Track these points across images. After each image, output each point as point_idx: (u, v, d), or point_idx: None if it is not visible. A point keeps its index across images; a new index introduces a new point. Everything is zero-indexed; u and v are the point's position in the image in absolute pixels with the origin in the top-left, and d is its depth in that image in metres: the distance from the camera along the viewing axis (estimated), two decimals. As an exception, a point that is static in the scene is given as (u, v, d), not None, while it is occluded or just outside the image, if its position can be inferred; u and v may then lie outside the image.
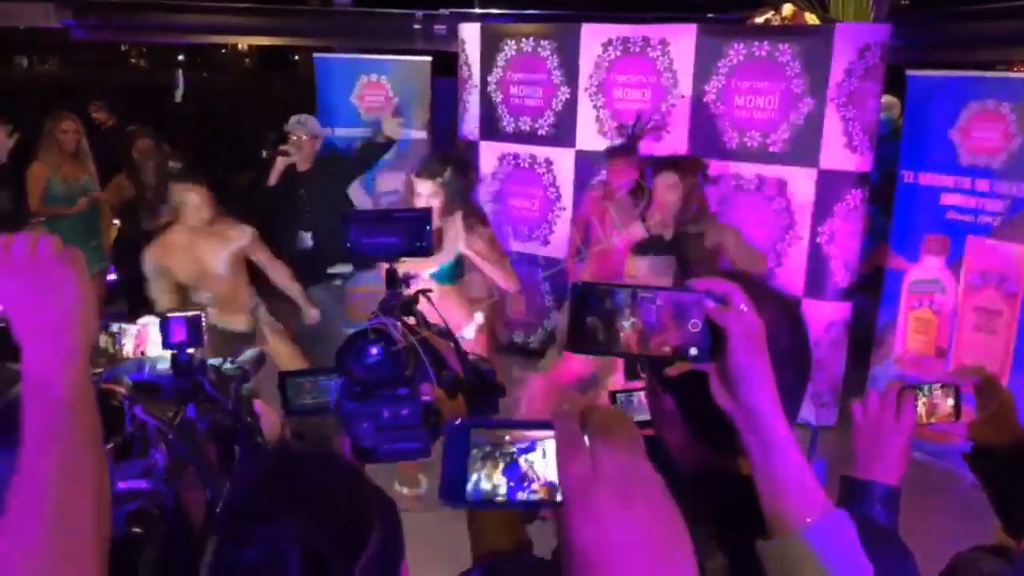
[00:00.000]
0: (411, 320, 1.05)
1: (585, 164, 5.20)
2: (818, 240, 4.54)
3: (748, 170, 4.69)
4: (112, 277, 5.78)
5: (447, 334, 1.11)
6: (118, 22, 7.51)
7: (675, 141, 4.87)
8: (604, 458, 0.53)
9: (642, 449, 0.55)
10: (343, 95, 5.94)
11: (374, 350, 0.86)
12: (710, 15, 7.06)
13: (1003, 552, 1.00)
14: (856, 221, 4.48)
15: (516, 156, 5.56)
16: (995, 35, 5.01)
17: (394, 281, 1.10)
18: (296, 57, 12.41)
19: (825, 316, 4.56)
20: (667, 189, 3.60)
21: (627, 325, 0.72)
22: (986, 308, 3.91)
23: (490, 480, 0.57)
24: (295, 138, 4.52)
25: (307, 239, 4.76)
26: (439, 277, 3.50)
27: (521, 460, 0.57)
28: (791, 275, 4.61)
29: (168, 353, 1.13)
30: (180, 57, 15.07)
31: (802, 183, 4.53)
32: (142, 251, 3.65)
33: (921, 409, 1.27)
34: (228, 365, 1.21)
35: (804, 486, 0.74)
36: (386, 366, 0.86)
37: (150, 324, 1.28)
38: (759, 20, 5.54)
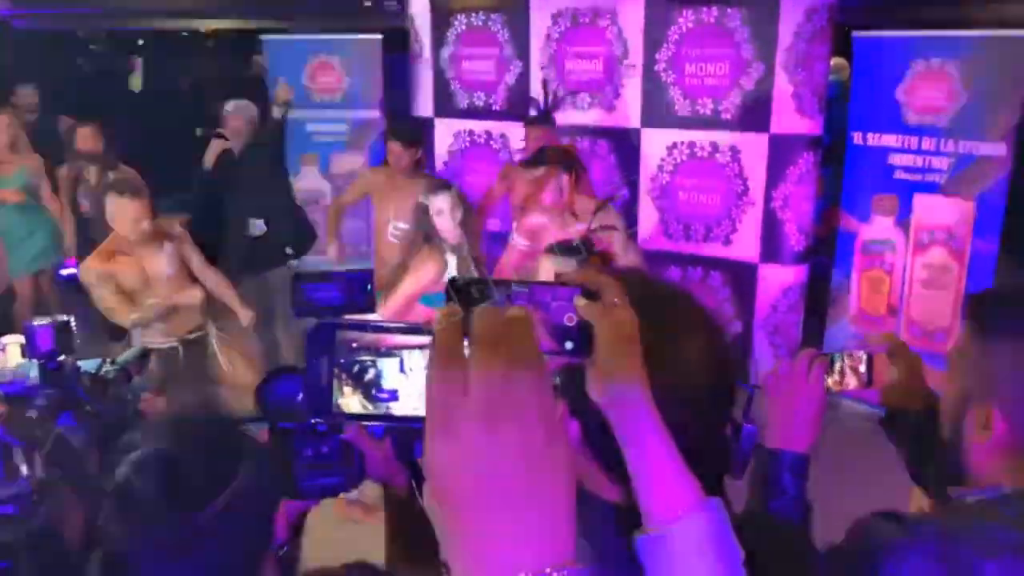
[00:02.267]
0: None
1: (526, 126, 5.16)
2: (772, 205, 4.56)
3: (701, 137, 4.69)
4: (69, 272, 5.67)
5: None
6: (58, 10, 7.31)
7: (628, 111, 4.86)
8: (478, 375, 0.48)
9: (531, 364, 0.49)
10: (294, 77, 5.84)
11: (292, 389, 0.88)
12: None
13: (901, 519, 1.01)
14: (809, 184, 4.50)
15: (471, 132, 5.51)
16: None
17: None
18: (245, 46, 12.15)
19: (782, 280, 4.59)
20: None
21: None
22: (935, 265, 3.96)
23: (354, 392, 0.56)
24: (233, 124, 4.44)
25: (259, 225, 4.70)
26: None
27: (382, 369, 0.56)
28: (746, 241, 4.64)
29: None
30: (140, 42, 14.65)
31: (754, 149, 4.54)
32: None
33: (834, 377, 1.28)
34: (107, 367, 1.19)
35: (675, 481, 0.74)
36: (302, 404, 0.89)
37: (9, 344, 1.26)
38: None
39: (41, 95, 6.31)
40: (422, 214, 3.35)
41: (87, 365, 1.26)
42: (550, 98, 4.43)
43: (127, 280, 3.44)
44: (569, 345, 0.72)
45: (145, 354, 1.33)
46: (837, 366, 1.29)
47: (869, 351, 1.33)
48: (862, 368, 1.30)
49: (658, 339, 0.78)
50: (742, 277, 4.71)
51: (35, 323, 1.15)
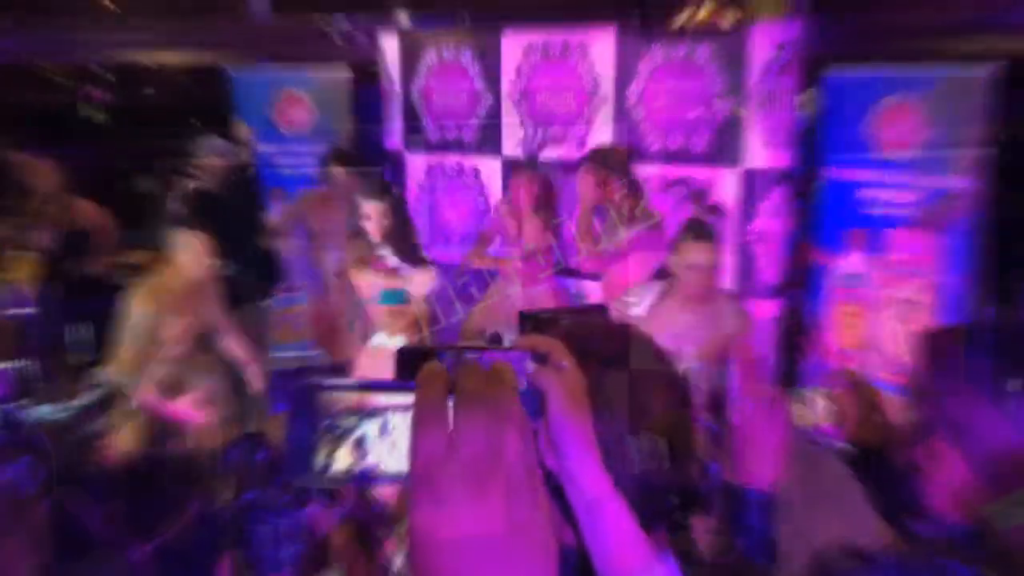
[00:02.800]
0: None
1: (511, 172, 5.14)
2: (746, 239, 4.56)
3: (672, 172, 4.69)
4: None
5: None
6: (22, 41, 7.19)
7: (599, 144, 4.84)
8: (463, 435, 0.48)
9: (514, 424, 0.49)
10: (262, 111, 5.77)
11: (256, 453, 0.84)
12: (634, 14, 7.07)
13: (862, 554, 1.00)
14: (782, 218, 4.51)
15: (442, 165, 5.47)
16: (908, 30, 5.10)
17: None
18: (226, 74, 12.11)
19: (756, 314, 4.58)
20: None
21: None
22: (908, 299, 3.97)
23: (335, 455, 0.55)
24: (207, 163, 4.36)
25: (229, 265, 4.60)
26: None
27: (366, 432, 0.55)
28: (721, 275, 4.62)
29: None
30: (110, 77, 14.48)
31: (726, 183, 4.55)
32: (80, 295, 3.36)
33: (799, 413, 1.31)
34: (61, 412, 1.13)
35: (628, 541, 0.75)
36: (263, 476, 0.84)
37: None
38: (679, 20, 5.55)
39: None
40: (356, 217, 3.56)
41: (43, 411, 1.19)
42: (536, 144, 4.48)
43: (168, 326, 3.13)
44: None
45: (109, 396, 1.26)
46: (801, 403, 1.32)
47: (831, 388, 1.37)
48: (822, 403, 1.34)
49: (615, 377, 0.80)
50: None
51: None
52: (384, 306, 3.53)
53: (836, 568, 0.99)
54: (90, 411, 1.29)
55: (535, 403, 0.71)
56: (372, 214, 3.50)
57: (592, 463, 0.74)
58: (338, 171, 4.27)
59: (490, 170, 5.28)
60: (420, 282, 3.59)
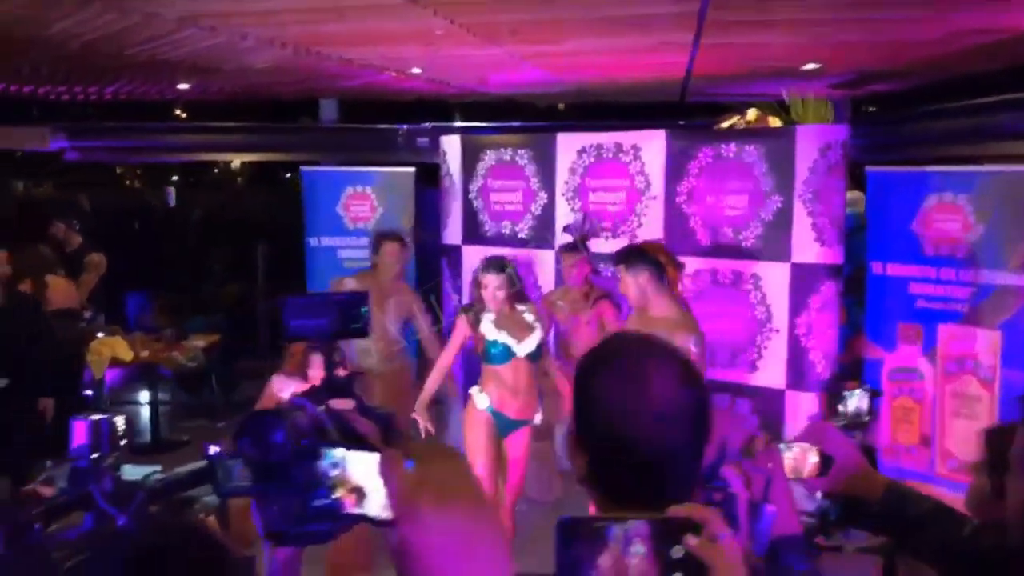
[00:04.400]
0: (349, 403, 1.06)
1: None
2: (796, 332, 4.61)
3: (723, 266, 4.81)
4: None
5: (385, 419, 1.13)
6: (110, 143, 7.78)
7: (651, 239, 5.01)
8: (423, 468, 0.66)
9: (457, 458, 0.69)
10: (329, 206, 6.12)
11: (271, 431, 0.86)
12: (680, 122, 7.41)
13: None
14: (831, 312, 4.56)
15: (498, 259, 5.67)
16: (950, 133, 5.28)
17: (331, 363, 1.12)
18: (288, 174, 12.84)
19: (809, 407, 4.57)
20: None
21: (614, 556, 0.76)
22: (965, 394, 3.95)
23: (331, 494, 0.70)
24: None
25: None
26: (531, 356, 4.03)
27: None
28: (772, 368, 4.66)
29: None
30: (175, 177, 15.48)
31: (776, 277, 4.64)
32: None
33: (789, 466, 1.34)
34: (154, 477, 1.17)
35: None
36: (283, 448, 0.87)
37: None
38: (725, 125, 5.82)
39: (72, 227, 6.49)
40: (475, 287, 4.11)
41: (134, 472, 1.24)
42: (587, 227, 4.74)
43: None
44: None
45: (207, 471, 1.29)
46: (787, 456, 1.36)
47: (807, 444, 1.39)
48: (811, 458, 1.36)
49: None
50: (770, 404, 4.69)
51: (75, 417, 1.17)
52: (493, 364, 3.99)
53: None
54: (198, 479, 1.27)
55: (692, 571, 0.76)
56: (489, 284, 3.97)
57: None
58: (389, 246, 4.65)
59: (544, 263, 5.47)
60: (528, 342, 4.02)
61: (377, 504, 0.68)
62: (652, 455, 0.99)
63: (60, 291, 5.61)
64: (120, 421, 1.19)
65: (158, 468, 1.29)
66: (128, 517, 1.11)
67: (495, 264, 4.10)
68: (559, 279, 5.32)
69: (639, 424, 0.99)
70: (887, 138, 5.82)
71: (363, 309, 1.13)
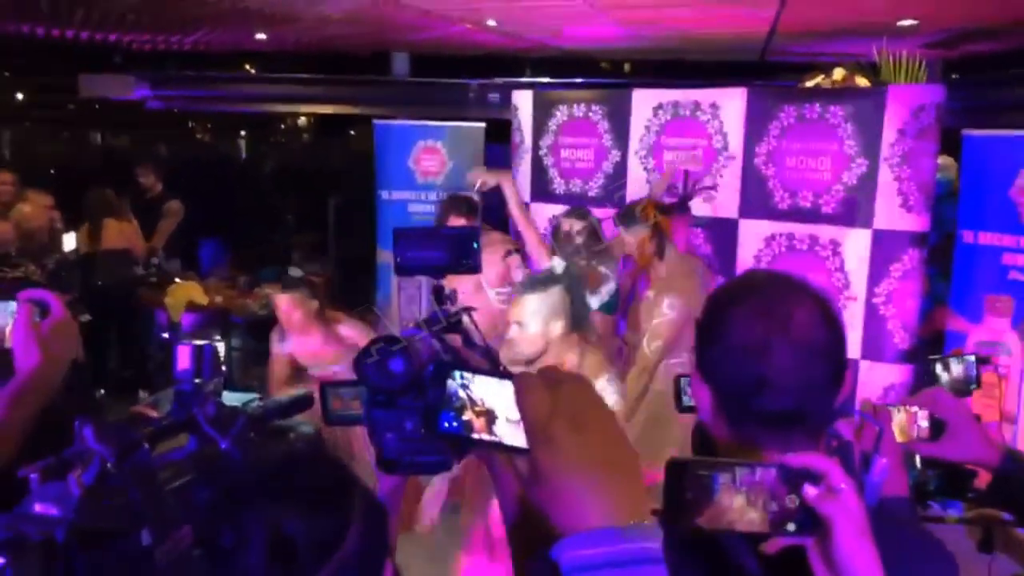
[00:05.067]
0: (456, 338, 1.06)
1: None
2: (874, 301, 4.46)
3: (800, 230, 4.67)
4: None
5: (488, 353, 1.13)
6: (190, 93, 7.95)
7: (727, 202, 4.90)
8: (559, 394, 0.65)
9: (591, 388, 0.67)
10: (400, 159, 6.15)
11: (391, 357, 0.86)
12: (760, 83, 7.17)
13: None
14: (914, 282, 4.39)
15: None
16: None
17: (440, 298, 1.12)
18: (352, 131, 12.97)
19: (884, 378, 4.44)
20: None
21: (725, 501, 0.74)
22: (1055, 371, 3.77)
23: (460, 417, 0.68)
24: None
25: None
26: (606, 308, 4.01)
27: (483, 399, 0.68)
28: (848, 336, 4.52)
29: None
30: (243, 132, 15.80)
31: (856, 243, 4.49)
32: None
33: (898, 429, 1.31)
34: (255, 403, 1.20)
35: None
36: (404, 376, 0.86)
37: None
38: (809, 84, 5.60)
39: (154, 171, 6.71)
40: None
41: (235, 397, 1.28)
42: (689, 187, 4.60)
43: None
44: (791, 527, 0.75)
45: (303, 399, 1.32)
46: (897, 419, 1.32)
47: (920, 406, 1.35)
48: (921, 422, 1.32)
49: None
50: (842, 373, 4.58)
51: (179, 342, 1.20)
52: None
53: None
54: (281, 412, 1.28)
55: (807, 521, 0.74)
56: (571, 229, 4.06)
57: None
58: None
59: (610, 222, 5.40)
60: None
61: (509, 430, 0.67)
62: (786, 395, 0.96)
63: (113, 233, 5.83)
64: (221, 347, 1.22)
65: (256, 396, 1.32)
66: (230, 441, 1.14)
67: (577, 211, 4.13)
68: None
69: (775, 362, 0.96)
70: (984, 101, 5.52)
71: (475, 244, 1.12)
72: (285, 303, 3.77)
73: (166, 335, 5.96)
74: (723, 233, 4.96)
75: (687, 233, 4.40)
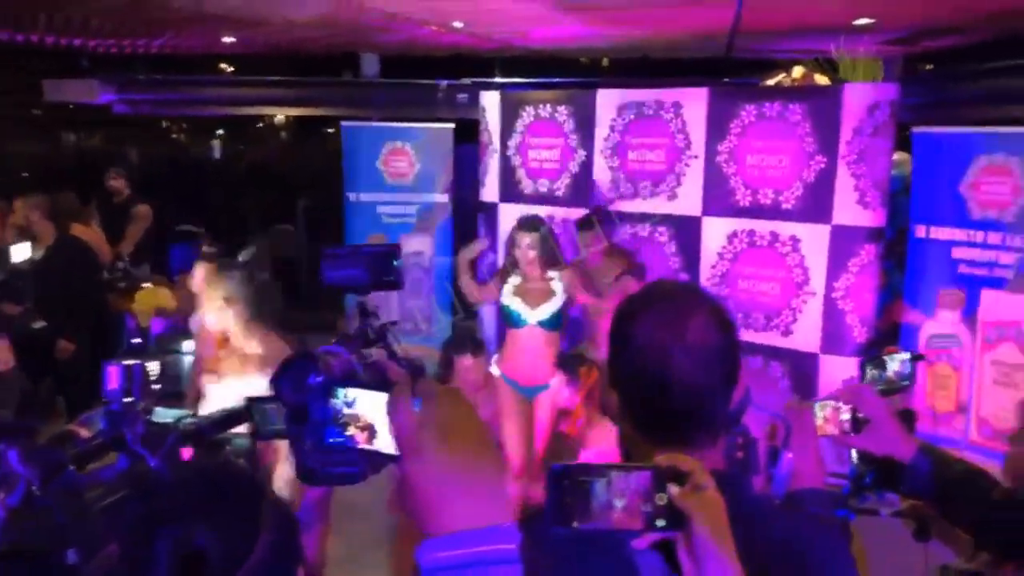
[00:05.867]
0: (379, 351, 1.11)
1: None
2: (833, 296, 4.55)
3: (762, 227, 4.75)
4: None
5: (417, 367, 1.17)
6: (157, 96, 7.91)
7: (689, 200, 4.97)
8: (427, 408, 0.70)
9: (462, 400, 0.72)
10: (369, 161, 6.17)
11: (307, 374, 0.90)
12: (725, 80, 7.25)
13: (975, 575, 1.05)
14: (871, 276, 4.49)
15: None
16: (1003, 92, 5.07)
17: (364, 313, 1.16)
18: (331, 130, 12.95)
19: (843, 371, 4.53)
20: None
21: (601, 502, 0.80)
22: (1004, 362, 3.87)
23: (344, 432, 0.74)
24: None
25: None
26: (544, 324, 4.11)
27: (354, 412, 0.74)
28: (808, 331, 4.62)
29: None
30: (219, 132, 15.70)
31: (815, 239, 4.57)
32: None
33: (820, 424, 1.37)
34: (187, 420, 1.21)
35: None
36: (318, 390, 0.90)
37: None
38: (771, 83, 5.68)
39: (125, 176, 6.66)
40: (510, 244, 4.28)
41: (166, 414, 1.28)
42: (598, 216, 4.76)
43: None
44: (660, 523, 0.81)
45: (239, 415, 1.33)
46: (820, 415, 1.38)
47: (844, 402, 1.42)
48: (844, 417, 1.39)
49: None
50: (803, 368, 4.66)
51: (108, 361, 1.22)
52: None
53: None
54: (216, 427, 1.27)
55: (675, 518, 0.80)
56: (522, 243, 4.14)
57: (731, 570, 0.81)
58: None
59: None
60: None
61: (386, 441, 0.72)
62: (684, 395, 1.03)
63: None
64: (153, 367, 1.25)
65: (189, 412, 1.34)
66: (159, 458, 1.17)
67: (529, 223, 4.17)
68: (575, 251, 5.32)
69: (673, 365, 1.03)
70: (937, 98, 5.63)
71: (396, 262, 1.16)
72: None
73: (137, 340, 5.94)
74: (687, 230, 5.04)
75: (600, 246, 4.59)
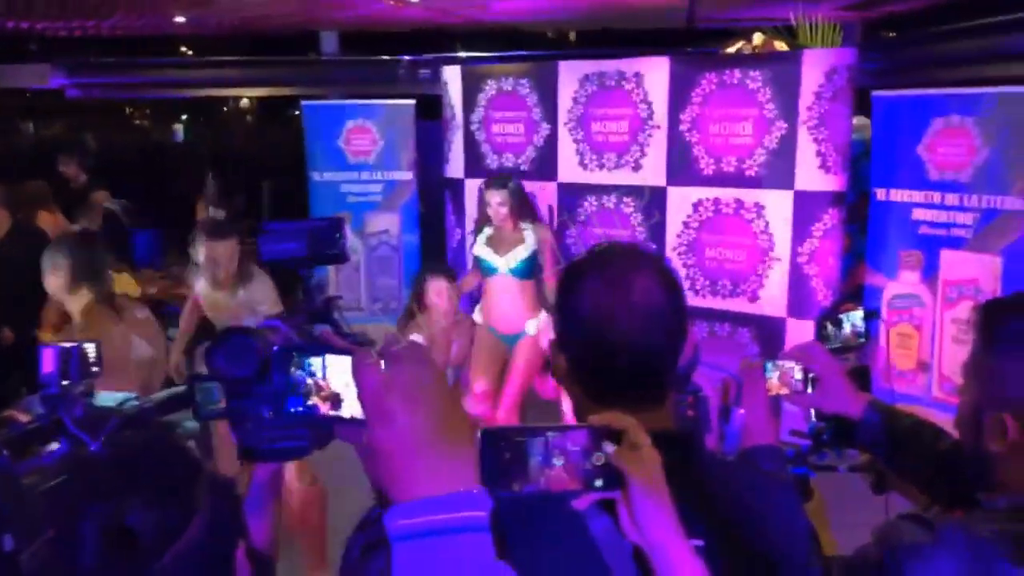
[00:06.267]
0: (325, 328, 1.08)
1: (567, 196, 5.30)
2: (798, 260, 4.59)
3: (726, 195, 4.77)
4: None
5: (365, 342, 1.15)
6: (109, 79, 7.72)
7: (654, 170, 4.97)
8: (394, 369, 0.67)
9: (429, 363, 0.69)
10: (330, 140, 6.08)
11: (245, 349, 0.87)
12: (687, 49, 7.24)
13: (929, 523, 1.06)
14: (834, 240, 4.53)
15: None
16: (959, 55, 5.12)
17: (308, 288, 1.14)
18: (296, 111, 12.81)
19: (809, 335, 4.57)
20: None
21: (538, 462, 0.78)
22: (964, 320, 3.93)
23: (306, 402, 0.70)
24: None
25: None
26: (515, 272, 4.17)
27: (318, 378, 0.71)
28: (774, 296, 4.66)
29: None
30: (184, 116, 15.44)
31: (779, 205, 4.60)
32: None
33: (772, 383, 1.38)
34: (131, 403, 1.19)
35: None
36: (252, 363, 0.88)
37: None
38: (731, 50, 5.68)
39: (78, 163, 6.48)
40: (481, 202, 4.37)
41: (109, 397, 1.25)
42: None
43: None
44: (599, 483, 0.79)
45: (183, 397, 1.30)
46: (772, 374, 1.39)
47: (794, 361, 1.43)
48: (796, 376, 1.40)
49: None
50: (771, 332, 4.71)
51: (44, 344, 1.19)
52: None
53: (904, 535, 1.05)
54: (176, 403, 1.27)
55: (612, 476, 0.79)
56: (492, 200, 4.21)
57: (674, 536, 0.80)
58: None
59: (547, 194, 5.44)
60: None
61: (350, 406, 0.70)
62: (629, 357, 1.02)
63: (48, 227, 5.67)
64: (91, 348, 1.21)
65: (132, 395, 1.31)
66: (100, 442, 1.14)
67: (498, 180, 4.28)
68: (562, 213, 5.31)
69: (618, 327, 1.01)
70: (895, 62, 5.66)
71: (338, 235, 1.13)
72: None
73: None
74: (653, 200, 5.04)
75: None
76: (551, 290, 4.25)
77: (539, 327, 4.28)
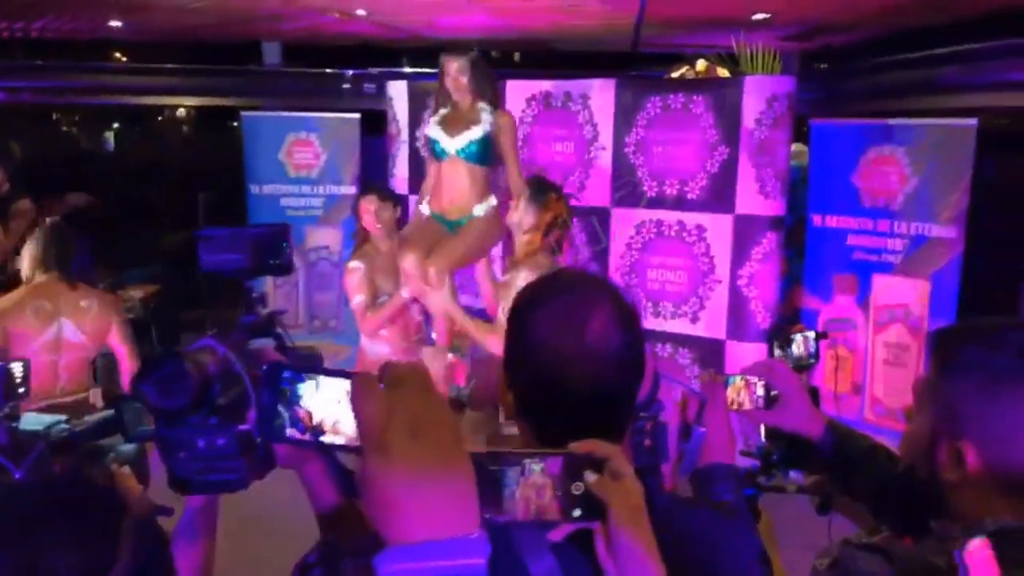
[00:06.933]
0: (269, 343, 1.02)
1: (511, 215, 5.28)
2: (738, 283, 4.67)
3: (669, 217, 4.83)
4: None
5: (310, 359, 1.09)
6: (38, 84, 7.42)
7: (599, 191, 5.00)
8: (397, 395, 0.62)
9: (432, 391, 0.64)
10: (271, 153, 5.95)
11: (177, 376, 0.81)
12: (632, 73, 7.35)
13: (881, 550, 1.04)
14: (773, 264, 4.62)
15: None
16: (892, 86, 5.33)
17: (249, 302, 1.07)
18: (235, 123, 12.54)
19: (747, 357, 4.65)
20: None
21: (515, 492, 0.74)
22: (895, 343, 4.06)
23: (298, 423, 0.66)
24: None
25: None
26: (465, 154, 3.79)
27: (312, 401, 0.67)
28: (714, 318, 4.72)
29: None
30: (116, 124, 14.94)
31: (720, 228, 4.68)
32: None
33: (733, 398, 1.37)
34: (61, 426, 1.12)
35: None
36: (186, 393, 0.82)
37: None
38: (675, 75, 5.78)
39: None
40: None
41: (36, 421, 1.18)
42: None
43: None
44: (577, 512, 0.76)
45: (114, 421, 1.22)
46: (733, 388, 1.38)
47: (758, 377, 1.42)
48: (758, 392, 1.38)
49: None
50: (710, 354, 4.77)
51: None
52: None
53: (860, 564, 1.03)
54: (108, 427, 1.21)
55: (592, 507, 0.75)
56: (450, 70, 3.85)
57: (653, 571, 0.77)
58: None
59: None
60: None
61: (346, 432, 0.65)
62: (584, 397, 0.96)
63: None
64: (17, 368, 1.12)
65: (62, 418, 1.23)
66: (25, 470, 1.05)
67: (458, 48, 3.90)
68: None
69: (571, 373, 0.95)
70: (833, 91, 5.87)
71: (284, 244, 1.07)
72: None
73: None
74: (600, 222, 5.07)
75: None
76: (515, 184, 3.88)
77: (487, 211, 3.92)
